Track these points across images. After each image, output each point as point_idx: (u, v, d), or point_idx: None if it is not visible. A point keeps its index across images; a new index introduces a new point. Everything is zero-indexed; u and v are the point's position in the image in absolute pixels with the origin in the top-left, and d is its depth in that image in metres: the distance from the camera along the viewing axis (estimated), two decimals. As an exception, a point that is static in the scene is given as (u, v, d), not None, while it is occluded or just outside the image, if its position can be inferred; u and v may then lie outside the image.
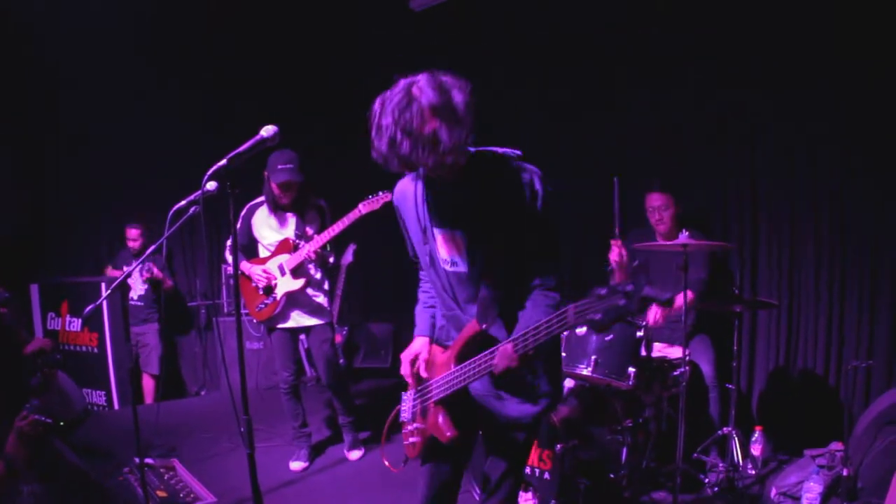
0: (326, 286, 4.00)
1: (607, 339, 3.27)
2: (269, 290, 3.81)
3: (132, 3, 5.29)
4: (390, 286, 6.41)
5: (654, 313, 3.64)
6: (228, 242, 4.18)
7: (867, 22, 3.52)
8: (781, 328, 4.07)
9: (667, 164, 4.40)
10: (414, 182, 1.98)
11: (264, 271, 3.80)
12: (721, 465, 3.52)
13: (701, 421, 3.70)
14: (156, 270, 5.33)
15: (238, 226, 3.84)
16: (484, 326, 1.89)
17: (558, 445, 3.02)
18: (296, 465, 3.94)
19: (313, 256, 3.72)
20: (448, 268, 1.97)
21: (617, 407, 3.33)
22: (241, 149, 1.89)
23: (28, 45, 5.37)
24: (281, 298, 3.81)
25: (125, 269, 4.99)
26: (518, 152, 1.92)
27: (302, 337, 4.17)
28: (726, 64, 4.08)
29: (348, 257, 5.51)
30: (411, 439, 2.11)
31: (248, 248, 3.94)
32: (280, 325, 3.89)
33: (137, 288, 5.55)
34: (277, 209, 3.81)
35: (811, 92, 3.80)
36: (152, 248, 3.00)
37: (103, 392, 5.38)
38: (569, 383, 3.48)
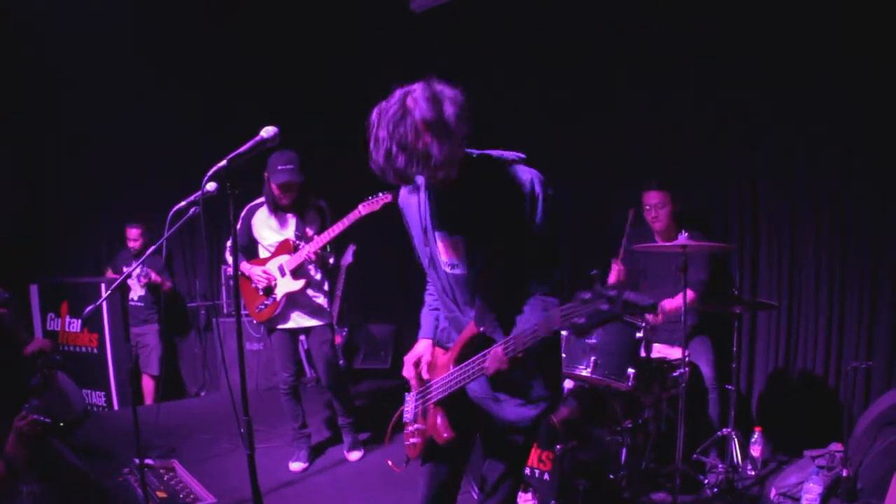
0: (326, 287, 4.00)
1: (607, 340, 3.27)
2: (269, 290, 3.81)
3: (132, 3, 5.29)
4: (390, 287, 6.41)
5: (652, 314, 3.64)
6: (228, 243, 4.18)
7: (867, 22, 3.51)
8: (781, 329, 4.06)
9: (667, 164, 4.40)
10: (420, 183, 1.98)
11: (264, 272, 3.80)
12: (721, 465, 3.52)
13: (700, 422, 3.70)
14: (153, 275, 5.34)
15: (238, 227, 3.83)
16: (482, 329, 1.90)
17: (558, 446, 3.02)
18: (295, 466, 3.94)
19: (313, 257, 3.72)
20: (448, 270, 1.98)
21: (616, 408, 3.33)
22: (241, 150, 1.89)
23: (28, 45, 5.37)
24: (281, 299, 3.81)
25: (125, 269, 5.00)
26: (520, 155, 1.92)
27: (302, 338, 4.17)
28: (726, 64, 4.08)
29: (348, 258, 5.51)
30: (412, 440, 2.12)
31: (248, 248, 3.93)
32: (280, 326, 3.89)
33: (137, 289, 5.55)
34: (277, 210, 3.81)
35: (811, 92, 3.80)
36: (152, 248, 3.00)
37: (103, 393, 5.38)
38: (568, 384, 3.48)
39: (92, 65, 5.45)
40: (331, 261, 3.89)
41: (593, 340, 3.28)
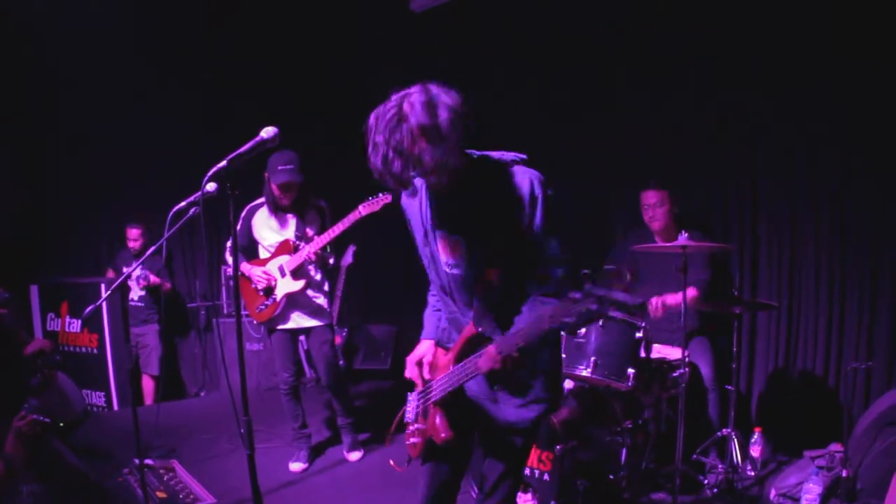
0: (326, 287, 4.00)
1: (607, 340, 3.26)
2: (270, 291, 3.81)
3: (132, 3, 5.29)
4: (390, 288, 6.41)
5: (655, 305, 3.65)
6: (229, 244, 4.18)
7: (867, 22, 3.51)
8: (781, 329, 4.06)
9: (667, 164, 4.40)
10: (421, 184, 1.98)
11: (264, 272, 3.80)
12: (720, 466, 3.52)
13: (700, 422, 3.70)
14: (152, 278, 5.34)
15: (238, 227, 3.83)
16: (480, 329, 1.90)
17: (558, 447, 3.02)
18: (295, 466, 3.94)
19: (313, 258, 3.72)
20: (448, 270, 1.98)
21: (616, 408, 3.33)
22: (241, 150, 1.89)
23: (28, 45, 5.37)
24: (281, 300, 3.81)
25: (125, 269, 5.01)
26: (521, 156, 1.92)
27: (301, 338, 4.17)
28: (726, 64, 4.08)
29: (348, 258, 5.51)
30: (412, 439, 2.12)
31: (249, 249, 3.93)
32: (280, 327, 3.89)
33: (137, 289, 5.55)
34: (278, 210, 3.81)
35: (811, 92, 3.80)
36: (152, 249, 3.00)
37: (103, 393, 5.38)
38: (568, 384, 3.48)
39: (92, 65, 5.45)
40: (331, 261, 3.89)
41: (592, 340, 3.28)
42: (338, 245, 3.94)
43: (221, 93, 6.01)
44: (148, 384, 5.64)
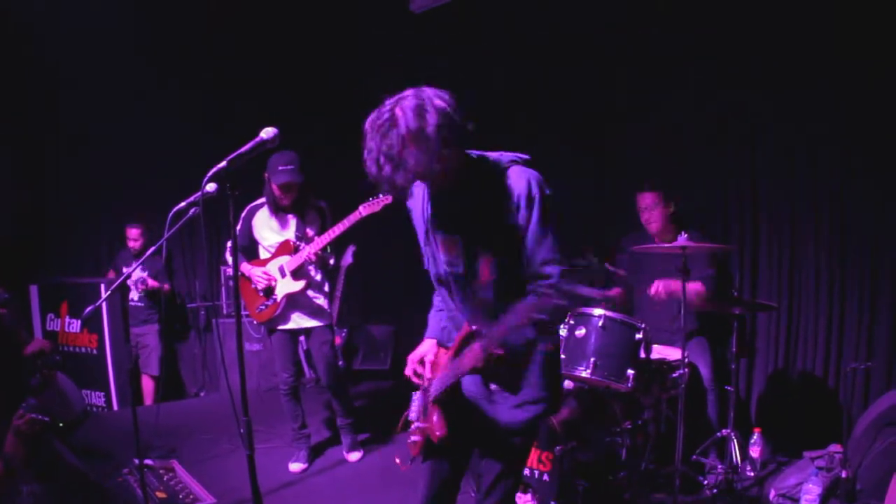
0: (327, 288, 4.00)
1: (607, 341, 3.26)
2: (270, 291, 3.81)
3: (132, 3, 5.29)
4: (390, 288, 6.41)
5: (656, 286, 3.65)
6: (229, 244, 4.18)
7: (867, 22, 3.51)
8: (781, 329, 4.06)
9: (667, 164, 4.40)
10: (423, 183, 1.99)
11: (264, 273, 3.80)
12: (720, 466, 3.52)
13: (700, 423, 3.70)
14: (150, 282, 5.34)
15: (238, 227, 3.83)
16: (474, 328, 1.89)
17: (557, 447, 3.02)
18: (295, 467, 3.94)
19: (314, 258, 3.72)
20: (448, 269, 1.99)
21: (616, 409, 3.33)
22: (241, 151, 1.90)
23: (28, 45, 5.36)
24: (281, 300, 3.81)
25: (125, 269, 5.00)
26: (521, 156, 1.93)
27: (301, 338, 4.17)
28: (726, 64, 4.08)
29: (348, 259, 5.51)
30: (413, 437, 2.12)
31: (249, 249, 3.93)
32: (280, 327, 3.89)
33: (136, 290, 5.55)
34: (278, 210, 3.81)
35: (811, 92, 3.80)
36: (152, 249, 3.00)
37: (103, 393, 5.38)
38: (568, 385, 3.48)
39: (92, 65, 5.44)
40: (331, 262, 3.89)
41: (591, 341, 3.27)
42: (337, 245, 3.94)
43: (221, 93, 6.00)
44: (148, 384, 5.63)
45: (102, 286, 5.24)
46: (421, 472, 2.14)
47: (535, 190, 1.83)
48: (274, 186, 3.69)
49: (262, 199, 3.83)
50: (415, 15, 5.37)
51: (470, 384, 2.01)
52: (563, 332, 3.31)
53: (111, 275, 5.67)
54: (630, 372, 3.20)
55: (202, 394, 6.10)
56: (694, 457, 3.57)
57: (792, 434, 3.85)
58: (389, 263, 6.12)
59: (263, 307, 3.84)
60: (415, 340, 2.18)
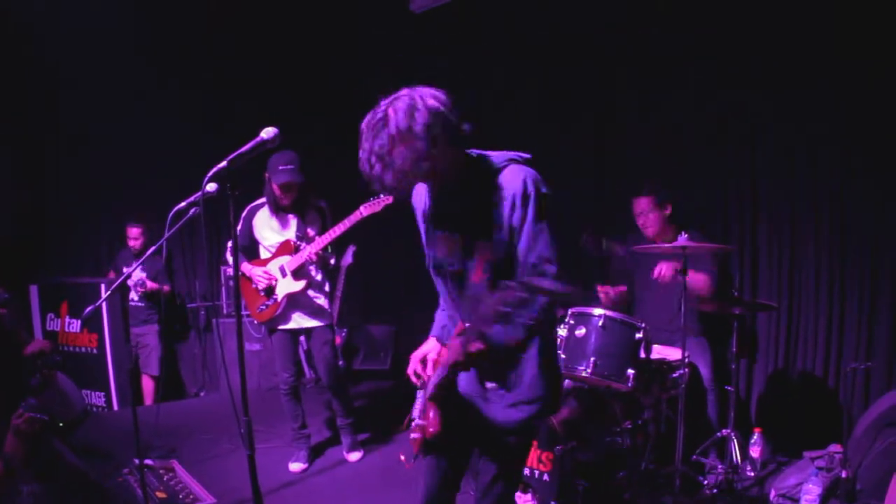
0: (327, 288, 4.00)
1: (607, 341, 3.26)
2: (270, 291, 3.81)
3: (132, 3, 5.29)
4: (390, 288, 6.41)
5: (660, 268, 3.65)
6: (230, 244, 4.18)
7: (867, 22, 3.51)
8: (781, 329, 4.06)
9: (667, 164, 4.40)
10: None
11: (265, 273, 3.80)
12: (720, 466, 3.52)
13: (700, 423, 3.70)
14: (149, 284, 5.34)
15: (239, 227, 3.83)
16: (467, 326, 1.89)
17: (557, 447, 3.02)
18: (295, 467, 3.94)
19: (314, 258, 3.72)
20: (447, 267, 2.00)
21: (616, 409, 3.33)
22: (242, 150, 1.90)
23: (28, 45, 5.36)
24: (282, 300, 3.81)
25: (125, 269, 5.00)
26: (521, 155, 1.93)
27: (301, 338, 4.17)
28: (726, 64, 4.07)
29: (348, 259, 5.51)
30: (413, 435, 2.12)
31: (249, 249, 3.94)
32: (281, 327, 3.89)
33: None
34: (279, 210, 3.81)
35: (811, 92, 3.80)
36: (152, 249, 3.00)
37: (103, 393, 5.38)
38: (568, 384, 3.48)
39: (92, 65, 5.44)
40: (332, 262, 3.89)
41: (591, 341, 3.27)
42: (338, 245, 3.94)
43: (221, 93, 6.00)
44: (148, 384, 5.63)
45: (102, 286, 5.24)
46: (420, 471, 2.14)
47: (530, 188, 1.83)
48: (274, 186, 3.69)
49: (263, 199, 3.83)
50: (415, 15, 5.37)
51: (464, 382, 2.02)
52: (563, 331, 3.31)
53: (111, 275, 5.67)
54: (630, 372, 3.20)
55: (202, 394, 6.10)
56: (694, 457, 3.58)
57: (792, 434, 3.85)
58: (390, 263, 6.13)
59: (264, 307, 3.84)
60: (415, 340, 2.18)
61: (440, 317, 2.18)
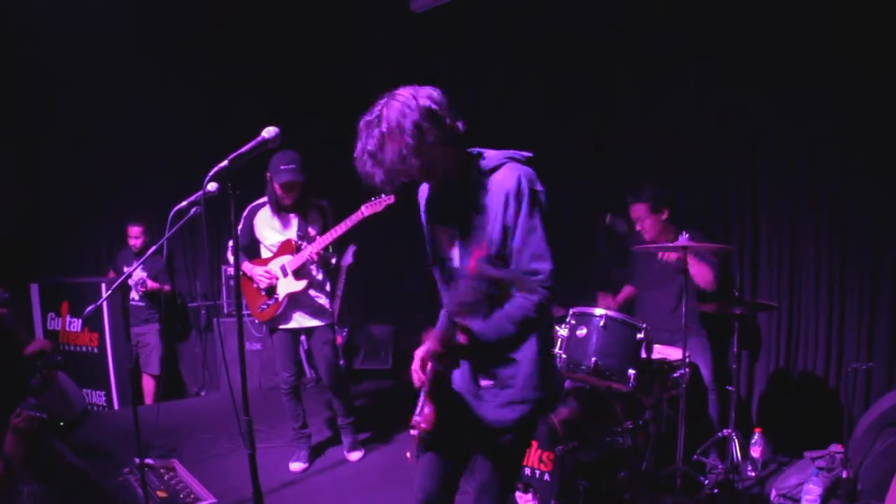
0: (328, 287, 4.00)
1: (608, 341, 3.26)
2: (272, 290, 3.81)
3: (132, 3, 5.29)
4: (390, 288, 6.42)
5: (665, 253, 3.66)
6: (230, 243, 4.18)
7: (867, 22, 3.52)
8: (782, 329, 4.06)
9: (667, 164, 4.40)
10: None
11: (266, 272, 3.80)
12: (721, 466, 3.52)
13: (701, 423, 3.70)
14: (150, 283, 5.34)
15: (240, 227, 3.83)
16: (458, 320, 1.89)
17: (558, 447, 3.02)
18: (296, 466, 3.94)
19: (315, 258, 3.72)
20: (445, 263, 2.02)
21: (617, 408, 3.33)
22: (243, 150, 1.91)
23: (28, 45, 5.36)
24: (283, 299, 3.81)
25: (125, 269, 5.00)
26: (520, 154, 1.94)
27: (302, 338, 4.17)
28: (726, 64, 4.08)
29: (348, 258, 5.52)
30: (412, 431, 2.12)
31: (250, 248, 3.94)
32: (282, 326, 3.89)
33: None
34: (280, 210, 3.81)
35: (811, 92, 3.80)
36: (153, 248, 3.00)
37: (103, 392, 5.38)
38: (569, 385, 3.48)
39: (92, 65, 5.44)
40: (333, 261, 3.89)
41: (592, 341, 3.27)
42: (338, 245, 3.94)
43: (221, 93, 6.00)
44: (148, 383, 5.63)
45: (103, 285, 5.24)
46: (417, 468, 2.14)
47: (524, 186, 1.84)
48: (276, 186, 3.69)
49: (264, 199, 3.83)
50: (415, 15, 5.37)
51: (458, 378, 2.02)
52: (564, 331, 3.32)
53: (111, 274, 5.67)
54: (631, 372, 3.20)
55: (203, 393, 6.10)
56: (695, 457, 3.58)
57: (793, 434, 3.86)
58: (390, 263, 6.13)
59: (265, 306, 3.84)
60: (416, 340, 2.18)
61: (444, 314, 2.19)
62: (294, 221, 3.84)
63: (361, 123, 1.81)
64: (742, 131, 4.14)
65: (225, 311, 6.29)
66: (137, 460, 3.10)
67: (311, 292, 3.87)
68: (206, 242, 6.35)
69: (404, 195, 2.26)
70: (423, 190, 2.10)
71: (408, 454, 2.20)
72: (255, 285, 3.83)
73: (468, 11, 5.13)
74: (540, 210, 1.86)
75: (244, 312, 4.49)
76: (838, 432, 3.42)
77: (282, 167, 3.63)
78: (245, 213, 3.87)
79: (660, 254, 3.70)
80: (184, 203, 2.63)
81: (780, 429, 3.93)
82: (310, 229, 3.83)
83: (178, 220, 2.64)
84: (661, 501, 3.32)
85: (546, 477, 3.05)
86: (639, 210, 3.81)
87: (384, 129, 1.76)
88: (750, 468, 3.60)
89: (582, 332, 3.28)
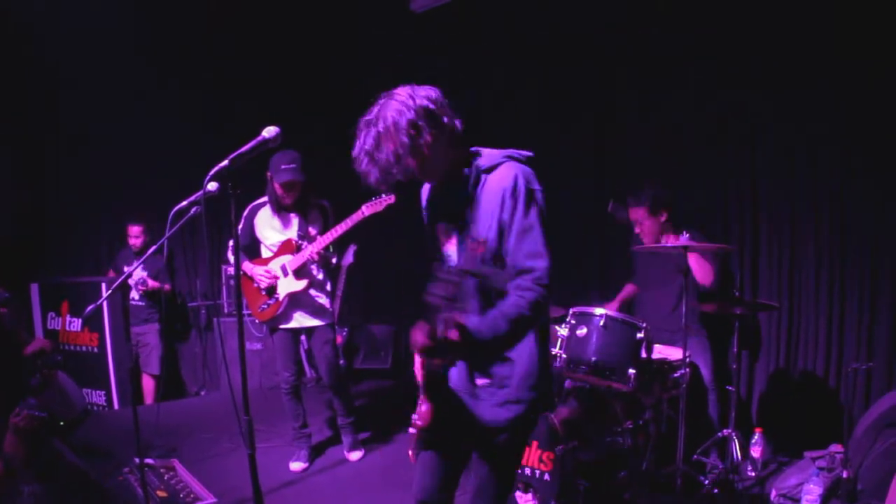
0: (328, 287, 4.00)
1: (608, 341, 3.26)
2: (272, 290, 3.81)
3: (132, 3, 5.29)
4: (390, 287, 6.41)
5: (667, 238, 3.65)
6: (231, 243, 4.18)
7: (867, 22, 3.52)
8: (782, 329, 4.06)
9: (667, 164, 4.40)
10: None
11: (267, 272, 3.80)
12: (721, 466, 3.52)
13: (701, 423, 3.70)
14: (150, 283, 5.34)
15: (240, 226, 3.84)
16: (449, 315, 1.88)
17: (559, 447, 3.02)
18: (296, 466, 3.94)
19: (316, 258, 3.72)
20: (445, 261, 2.02)
21: (617, 408, 3.33)
22: (243, 150, 1.91)
23: (28, 45, 5.37)
24: (284, 299, 3.81)
25: (125, 268, 5.00)
26: (520, 153, 1.94)
27: (302, 338, 4.17)
28: (726, 64, 4.08)
29: (349, 258, 5.52)
30: (411, 429, 2.12)
31: (250, 248, 3.94)
32: (282, 326, 3.89)
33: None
34: (281, 209, 3.81)
35: (811, 92, 3.80)
36: (153, 248, 3.00)
37: (103, 392, 5.38)
38: (569, 384, 3.48)
39: (92, 65, 5.45)
40: (333, 261, 3.89)
41: (593, 341, 3.27)
42: (339, 244, 3.94)
43: (221, 93, 6.01)
44: (148, 383, 5.63)
45: (103, 285, 5.25)
46: (416, 466, 2.14)
47: (521, 184, 1.84)
48: (277, 185, 3.69)
49: (264, 198, 3.83)
50: (415, 15, 5.37)
51: (454, 376, 2.03)
52: (564, 331, 3.32)
53: (111, 274, 5.67)
54: (631, 371, 3.20)
55: (203, 393, 6.11)
56: (695, 456, 3.58)
57: (793, 434, 3.86)
58: (391, 263, 6.13)
59: (266, 306, 3.84)
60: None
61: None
62: (294, 221, 3.85)
63: (360, 123, 1.83)
64: (742, 131, 4.14)
65: (225, 310, 6.29)
66: (137, 460, 3.11)
67: (312, 292, 3.87)
68: (207, 242, 6.35)
69: (405, 195, 2.27)
70: (426, 189, 2.12)
71: (409, 453, 2.20)
72: (255, 285, 3.84)
73: (468, 11, 5.13)
74: (537, 208, 1.86)
75: (244, 312, 4.49)
76: (838, 432, 3.42)
77: (282, 167, 3.63)
78: (245, 213, 3.87)
79: (664, 238, 3.65)
80: (184, 203, 2.63)
81: (780, 429, 3.93)
82: (310, 229, 3.84)
83: (178, 219, 2.64)
84: (661, 501, 3.32)
85: (546, 477, 3.05)
86: (638, 213, 3.81)
87: (380, 129, 1.78)
88: (750, 468, 3.60)
89: (582, 331, 3.28)
